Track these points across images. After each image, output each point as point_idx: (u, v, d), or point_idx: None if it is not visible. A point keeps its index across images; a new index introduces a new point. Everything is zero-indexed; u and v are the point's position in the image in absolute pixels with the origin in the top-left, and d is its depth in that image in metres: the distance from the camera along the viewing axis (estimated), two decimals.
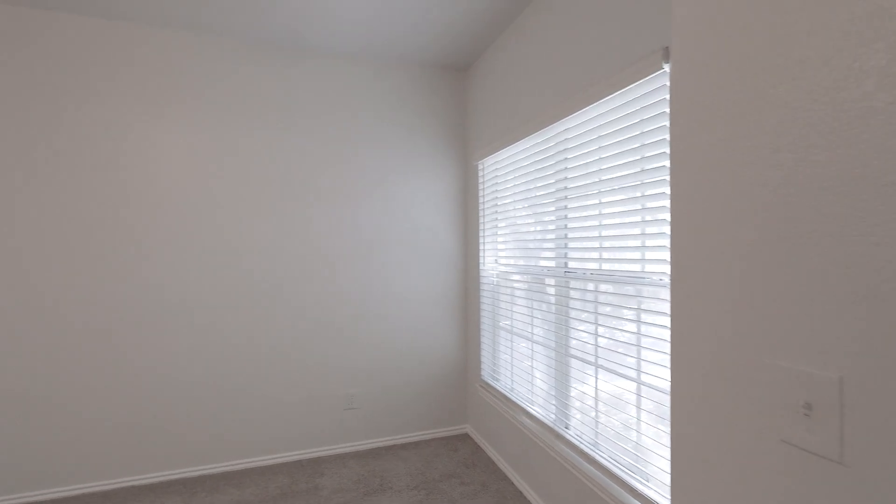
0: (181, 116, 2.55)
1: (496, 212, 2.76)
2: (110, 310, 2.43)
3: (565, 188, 2.05)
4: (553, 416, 2.18)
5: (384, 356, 2.98)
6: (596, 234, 1.88)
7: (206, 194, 2.60)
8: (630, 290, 1.66)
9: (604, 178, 1.79)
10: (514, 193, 2.53)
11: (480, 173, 2.95)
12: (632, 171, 1.63)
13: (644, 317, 1.60)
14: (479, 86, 2.94)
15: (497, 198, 2.74)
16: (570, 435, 2.01)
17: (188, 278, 2.57)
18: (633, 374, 1.65)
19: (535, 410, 2.32)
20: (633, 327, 1.66)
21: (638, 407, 1.63)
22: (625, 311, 1.69)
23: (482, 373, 2.95)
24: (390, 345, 2.99)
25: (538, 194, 2.29)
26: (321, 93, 2.82)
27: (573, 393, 2.04)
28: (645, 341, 1.59)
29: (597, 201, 1.86)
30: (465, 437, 3.08)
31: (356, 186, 2.90)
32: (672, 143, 0.76)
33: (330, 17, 2.42)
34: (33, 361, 2.32)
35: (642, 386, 1.60)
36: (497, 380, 2.79)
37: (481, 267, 2.96)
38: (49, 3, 2.25)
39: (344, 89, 2.87)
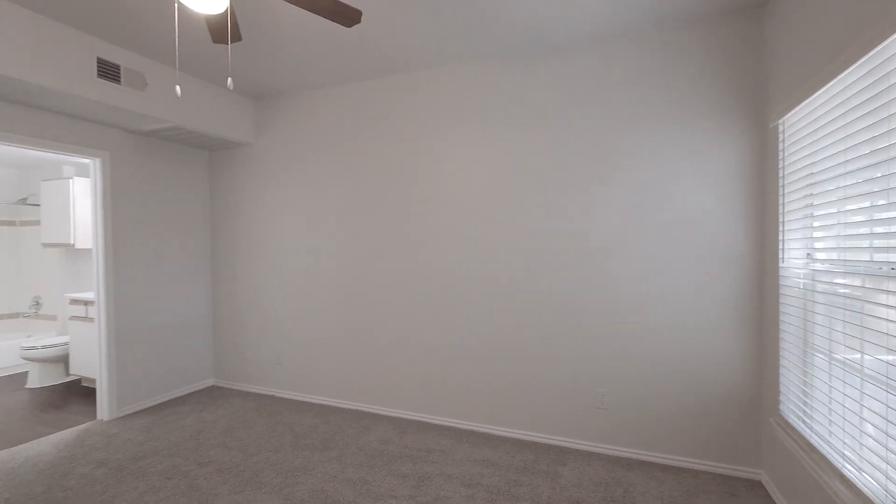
0: (462, 133, 3.11)
1: (811, 183, 1.95)
2: (407, 291, 3.27)
3: None
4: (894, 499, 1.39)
5: (640, 359, 2.66)
6: None
7: (474, 197, 3.07)
8: None
9: None
10: (837, 153, 1.74)
11: (780, 136, 2.16)
12: None
13: None
14: (783, 17, 2.16)
15: (812, 163, 1.94)
16: None
17: (468, 267, 3.11)
18: None
19: (863, 481, 1.53)
20: None
21: None
22: None
23: (780, 406, 2.18)
24: (647, 347, 2.64)
25: (876, 148, 1.49)
26: (569, 85, 2.80)
27: None
28: None
29: None
30: (755, 486, 2.36)
31: (609, 174, 2.71)
32: None
33: (575, 8, 2.36)
34: (379, 319, 3.41)
35: None
36: (805, 421, 1.99)
37: (781, 264, 2.18)
38: (380, 71, 3.22)
39: (592, 74, 2.74)
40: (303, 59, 3.03)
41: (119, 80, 2.80)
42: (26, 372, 4.53)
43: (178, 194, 3.83)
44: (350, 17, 1.85)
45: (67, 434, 3.05)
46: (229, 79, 1.54)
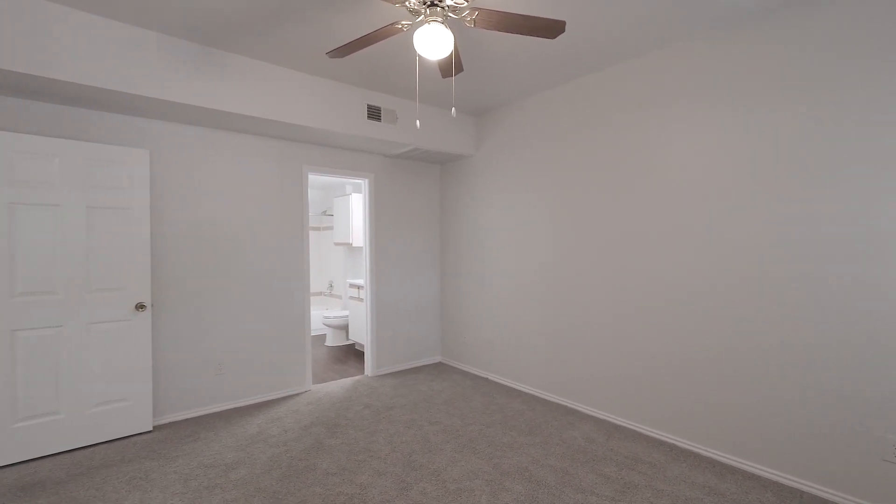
0: (680, 121, 2.81)
1: None
2: (618, 293, 3.12)
3: None
4: None
5: None
6: None
7: (699, 191, 2.73)
8: None
9: None
10: None
11: None
12: None
13: None
14: None
15: None
16: None
17: (687, 270, 2.81)
18: None
19: None
20: None
21: None
22: None
23: None
24: None
25: None
26: (830, 40, 2.16)
27: None
28: None
29: None
30: None
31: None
32: None
33: None
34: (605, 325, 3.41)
35: None
36: None
37: None
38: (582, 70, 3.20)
39: (874, 14, 2.04)
40: (512, 72, 3.30)
41: (380, 119, 3.68)
42: (325, 334, 6.39)
43: (417, 203, 4.71)
44: (555, 30, 1.97)
45: (347, 381, 4.20)
46: (453, 108, 1.89)
